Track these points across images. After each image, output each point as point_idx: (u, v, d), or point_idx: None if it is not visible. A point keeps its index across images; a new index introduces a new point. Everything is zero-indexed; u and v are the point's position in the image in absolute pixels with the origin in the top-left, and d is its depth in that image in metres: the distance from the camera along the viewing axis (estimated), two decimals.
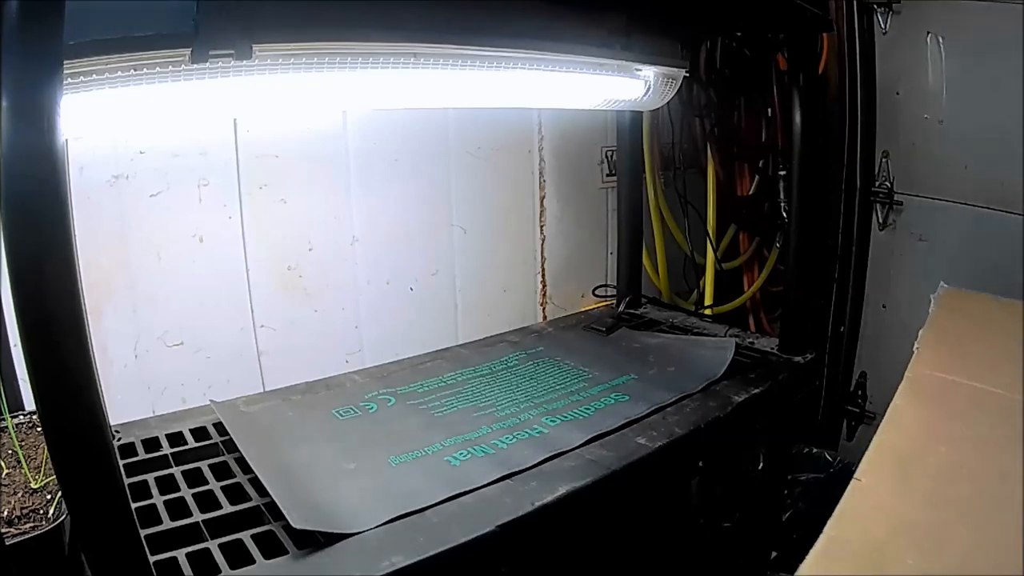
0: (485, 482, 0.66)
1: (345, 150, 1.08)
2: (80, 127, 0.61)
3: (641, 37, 0.93)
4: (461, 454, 0.72)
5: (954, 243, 1.19)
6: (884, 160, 1.29)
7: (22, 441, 0.63)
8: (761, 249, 1.45)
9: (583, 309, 1.31)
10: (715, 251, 1.40)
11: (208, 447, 0.73)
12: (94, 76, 0.55)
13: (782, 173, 1.29)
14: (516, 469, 0.68)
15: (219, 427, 0.77)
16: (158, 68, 0.58)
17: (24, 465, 0.59)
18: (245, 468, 0.68)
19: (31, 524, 0.52)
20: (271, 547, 0.57)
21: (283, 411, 0.81)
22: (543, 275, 1.35)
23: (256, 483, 0.65)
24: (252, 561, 0.56)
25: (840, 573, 0.47)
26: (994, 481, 0.58)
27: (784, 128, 1.24)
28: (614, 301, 1.28)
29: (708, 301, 1.43)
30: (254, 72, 0.63)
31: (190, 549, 0.56)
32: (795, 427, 0.94)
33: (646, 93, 1.01)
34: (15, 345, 0.72)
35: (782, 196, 1.30)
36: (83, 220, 0.86)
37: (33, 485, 0.57)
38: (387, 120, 1.10)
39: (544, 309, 1.36)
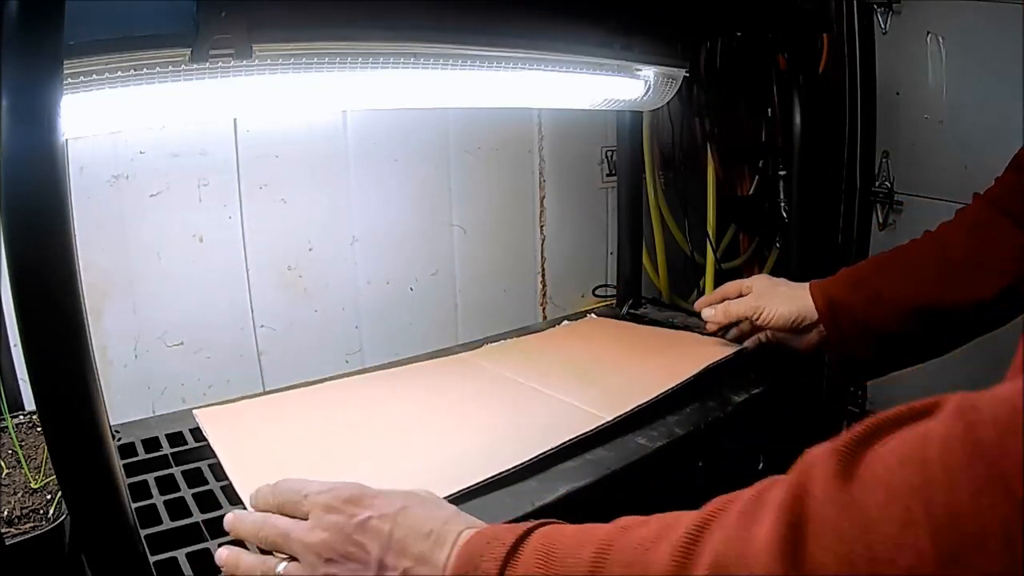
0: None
1: (345, 150, 1.08)
2: (80, 127, 0.61)
3: (641, 37, 0.93)
4: None
5: None
6: (884, 160, 1.29)
7: (22, 441, 0.63)
8: (761, 249, 1.45)
9: (583, 309, 1.31)
10: (715, 251, 1.40)
11: (208, 447, 0.73)
12: (94, 76, 0.55)
13: (782, 173, 1.29)
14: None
15: None
16: (158, 68, 0.58)
17: (24, 465, 0.59)
18: None
19: (31, 524, 0.52)
20: None
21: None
22: (543, 275, 1.35)
23: None
24: None
25: None
26: None
27: (784, 128, 1.24)
28: (614, 301, 1.28)
29: None
30: (254, 72, 0.63)
31: (190, 549, 0.56)
32: (795, 427, 0.94)
33: (646, 93, 1.01)
34: (15, 345, 0.72)
35: (782, 196, 1.30)
36: (83, 220, 0.86)
37: (33, 485, 0.57)
38: (387, 120, 1.10)
39: (544, 309, 1.36)
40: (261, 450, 0.70)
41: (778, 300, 0.88)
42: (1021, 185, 0.77)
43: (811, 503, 0.31)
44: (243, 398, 0.85)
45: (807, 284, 0.88)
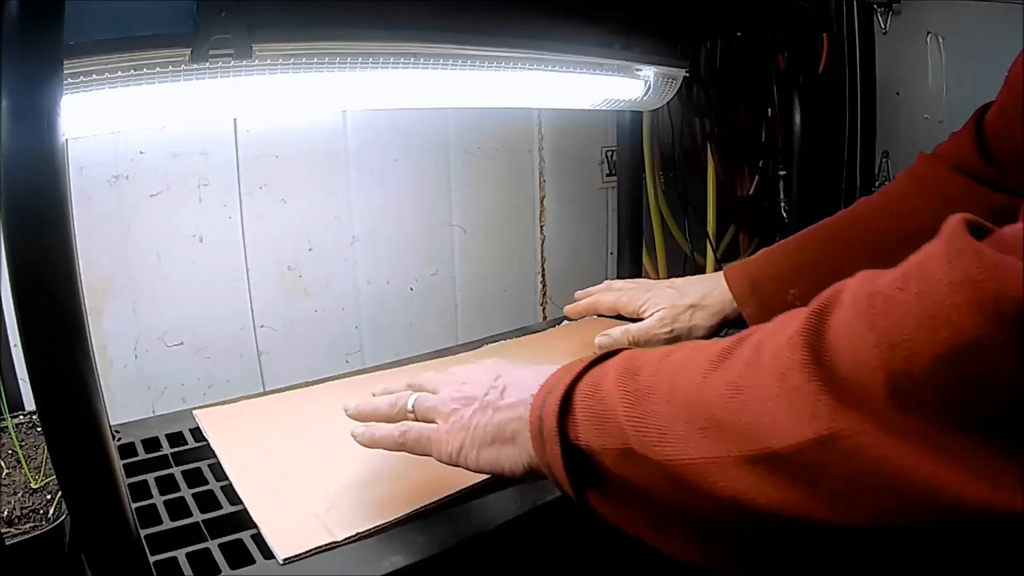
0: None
1: (345, 150, 1.08)
2: (80, 127, 0.61)
3: (641, 37, 0.93)
4: None
5: None
6: (884, 160, 1.29)
7: (22, 441, 0.63)
8: (761, 249, 1.45)
9: None
10: (715, 251, 1.40)
11: (208, 447, 0.73)
12: (94, 76, 0.55)
13: (782, 173, 1.29)
14: None
15: None
16: (158, 68, 0.58)
17: (24, 465, 0.59)
18: None
19: (31, 524, 0.52)
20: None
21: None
22: (543, 275, 1.35)
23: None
24: (252, 561, 0.56)
25: None
26: None
27: (784, 128, 1.24)
28: None
29: None
30: (254, 72, 0.63)
31: (190, 549, 0.56)
32: None
33: (646, 93, 1.01)
34: (15, 345, 0.72)
35: (782, 196, 1.30)
36: (83, 220, 0.86)
37: (33, 485, 0.57)
38: (387, 120, 1.10)
39: (544, 309, 1.36)
40: (261, 450, 0.70)
41: (667, 293, 0.78)
42: (983, 140, 0.70)
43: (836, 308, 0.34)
44: (243, 398, 0.85)
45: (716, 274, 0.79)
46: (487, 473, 0.53)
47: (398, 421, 0.57)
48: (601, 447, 0.42)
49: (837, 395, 0.31)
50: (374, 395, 0.62)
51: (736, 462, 0.35)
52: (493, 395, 0.52)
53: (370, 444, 0.58)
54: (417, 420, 0.56)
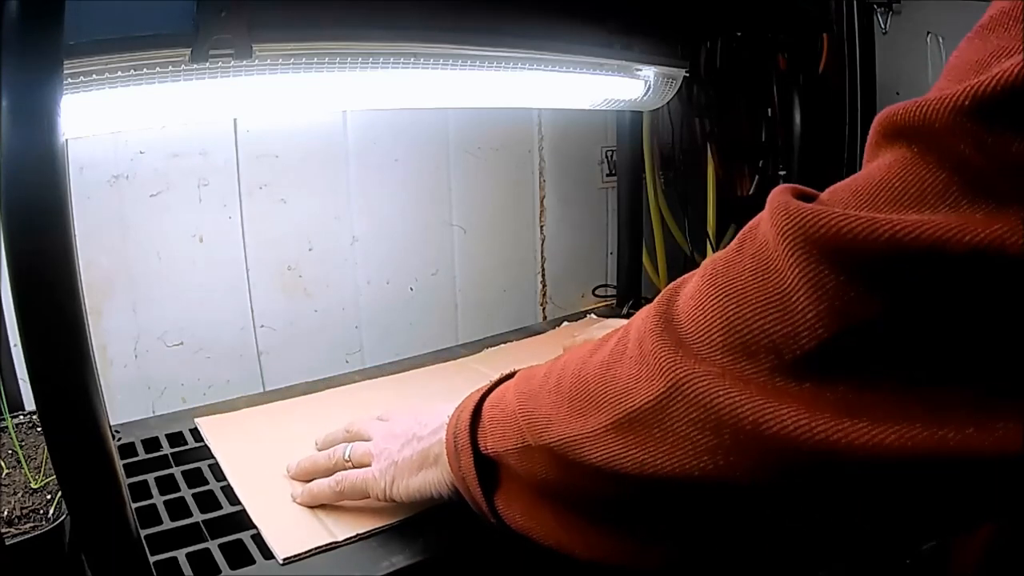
0: None
1: (345, 150, 1.08)
2: (80, 127, 0.61)
3: (641, 37, 0.93)
4: None
5: None
6: None
7: (22, 441, 0.63)
8: None
9: (583, 309, 1.31)
10: (715, 251, 1.40)
11: (208, 447, 0.73)
12: (94, 76, 0.55)
13: (782, 173, 1.29)
14: None
15: None
16: (158, 68, 0.58)
17: (24, 465, 0.59)
18: None
19: (31, 524, 0.52)
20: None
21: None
22: (543, 275, 1.35)
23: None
24: (252, 561, 0.56)
25: None
26: None
27: (784, 128, 1.24)
28: (614, 301, 1.28)
29: None
30: (254, 72, 0.63)
31: (190, 549, 0.56)
32: None
33: (646, 93, 1.01)
34: (15, 345, 0.72)
35: None
36: (83, 220, 0.86)
37: (33, 485, 0.57)
38: (387, 120, 1.10)
39: (544, 309, 1.36)
40: (262, 455, 0.70)
41: None
42: None
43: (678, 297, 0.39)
44: (243, 398, 0.85)
45: None
46: (419, 501, 0.56)
47: (338, 471, 0.61)
48: (505, 449, 0.45)
49: (680, 349, 0.35)
50: (317, 445, 0.67)
51: (606, 431, 0.38)
52: (417, 428, 0.56)
53: (311, 502, 0.60)
54: (354, 467, 0.60)
